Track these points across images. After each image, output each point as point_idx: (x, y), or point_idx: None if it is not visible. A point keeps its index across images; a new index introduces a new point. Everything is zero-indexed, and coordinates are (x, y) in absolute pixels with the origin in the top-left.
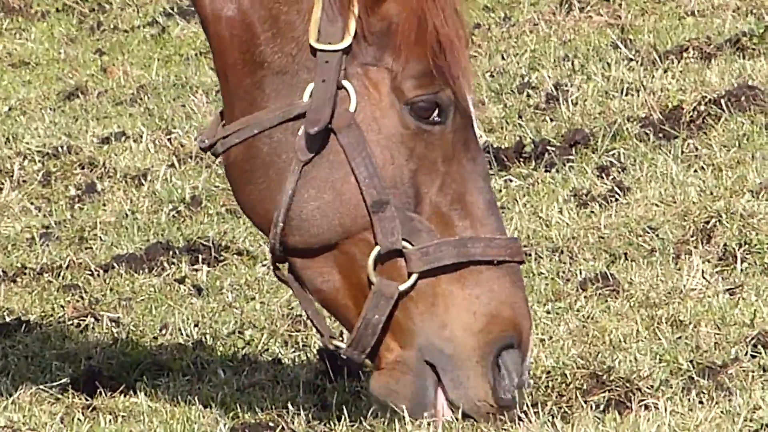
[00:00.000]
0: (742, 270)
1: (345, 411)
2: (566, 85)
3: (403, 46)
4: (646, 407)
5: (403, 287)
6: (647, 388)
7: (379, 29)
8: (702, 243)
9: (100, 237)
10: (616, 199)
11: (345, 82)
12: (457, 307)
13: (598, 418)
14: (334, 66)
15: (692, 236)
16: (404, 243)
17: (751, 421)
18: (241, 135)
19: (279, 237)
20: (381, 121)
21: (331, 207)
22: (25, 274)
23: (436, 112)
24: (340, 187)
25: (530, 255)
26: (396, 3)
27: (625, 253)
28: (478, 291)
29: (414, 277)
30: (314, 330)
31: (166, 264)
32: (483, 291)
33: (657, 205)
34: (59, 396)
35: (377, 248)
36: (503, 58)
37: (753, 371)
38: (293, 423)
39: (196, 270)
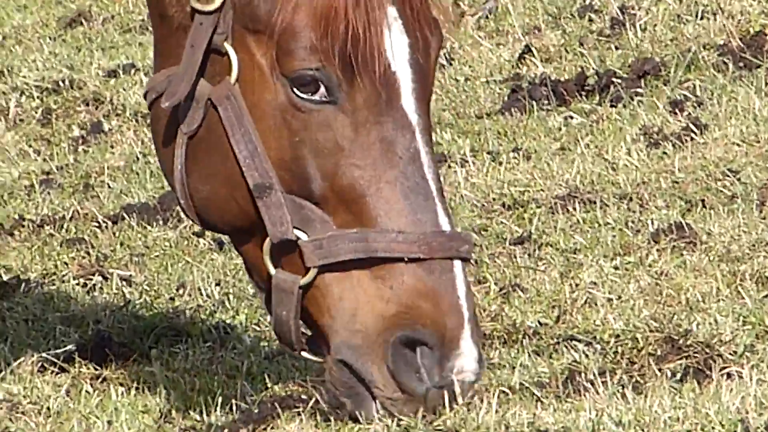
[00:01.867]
0: None
1: None
2: (633, 8)
3: (286, 11)
4: (729, 375)
5: (303, 281)
6: (729, 354)
7: None
8: None
9: (108, 184)
10: (692, 138)
11: (228, 47)
12: (367, 297)
13: (674, 388)
14: (206, 29)
15: None
16: (298, 233)
17: None
18: (149, 97)
19: (188, 212)
20: (264, 94)
21: (222, 189)
22: (23, 226)
23: (323, 89)
24: (225, 167)
25: (595, 203)
26: None
27: (703, 200)
28: (392, 282)
29: (313, 271)
30: None
31: (182, 215)
32: (398, 285)
33: (738, 144)
34: (64, 365)
35: (269, 238)
36: None
37: None
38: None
39: None
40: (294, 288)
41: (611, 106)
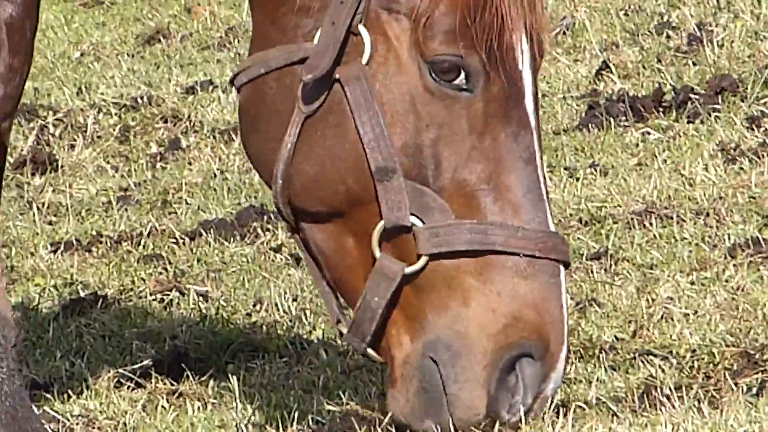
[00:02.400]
0: None
1: None
2: (711, 25)
3: None
4: None
5: (409, 270)
6: None
7: None
8: None
9: (186, 200)
10: None
11: (361, 28)
12: (475, 301)
13: (751, 403)
14: (348, 8)
15: None
16: (414, 220)
17: None
18: (250, 73)
19: (280, 196)
20: (397, 77)
21: (334, 170)
22: (101, 242)
23: (462, 76)
24: (343, 148)
25: (672, 218)
26: None
27: None
28: (501, 287)
29: (423, 259)
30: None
31: (260, 230)
32: (507, 288)
33: None
34: (141, 380)
35: (382, 222)
36: None
37: None
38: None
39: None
40: (398, 275)
41: (688, 122)
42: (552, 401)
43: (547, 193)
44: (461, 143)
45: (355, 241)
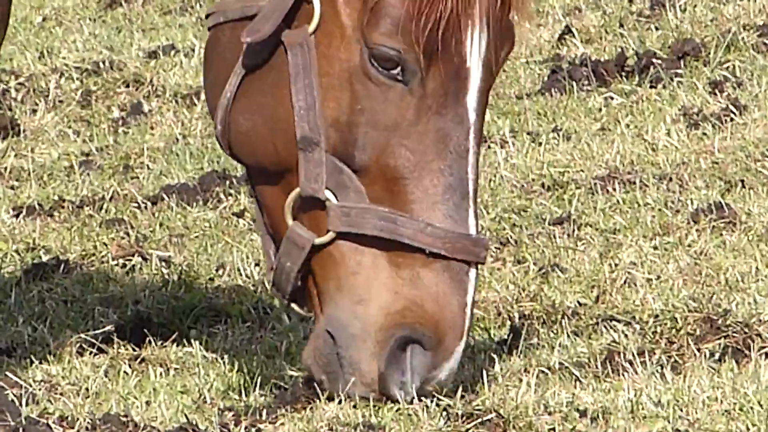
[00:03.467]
0: None
1: None
2: None
3: None
4: (767, 355)
5: (318, 241)
6: None
7: None
8: None
9: (148, 165)
10: (732, 119)
11: None
12: (378, 281)
13: (713, 368)
14: None
15: None
16: (329, 195)
17: None
18: (211, 20)
19: (221, 140)
20: (339, 53)
21: (266, 129)
22: (63, 207)
23: (399, 68)
24: (276, 110)
25: (635, 183)
26: None
27: (742, 180)
28: (406, 274)
29: (331, 234)
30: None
31: (222, 195)
32: (411, 276)
33: None
34: (103, 346)
35: (297, 189)
36: None
37: None
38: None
39: None
40: (307, 245)
41: (651, 86)
42: (446, 384)
43: (475, 192)
44: (390, 131)
45: (282, 201)
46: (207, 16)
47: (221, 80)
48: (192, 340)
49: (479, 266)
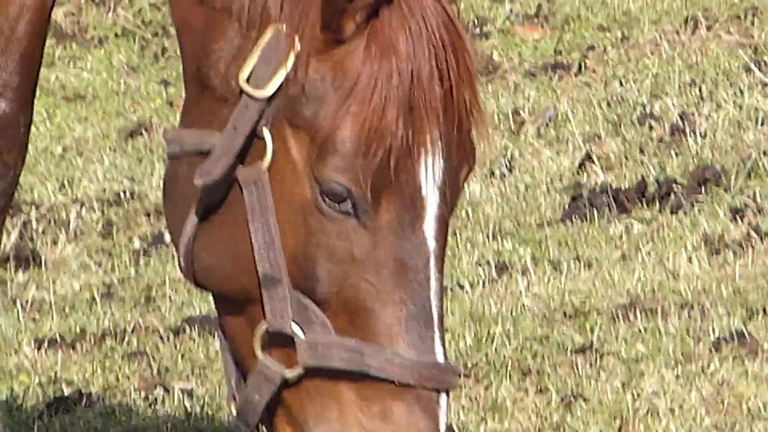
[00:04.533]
0: None
1: None
2: (693, 115)
3: (332, 117)
4: None
5: (289, 374)
6: None
7: (318, 83)
8: None
9: (170, 296)
10: (753, 246)
11: (266, 132)
12: (352, 417)
13: None
14: (251, 114)
15: None
16: (296, 329)
17: None
18: (169, 148)
19: (185, 273)
20: (292, 188)
21: (229, 266)
22: (84, 339)
23: (350, 204)
24: (237, 248)
25: (656, 311)
26: (349, 56)
27: (764, 308)
28: (377, 408)
29: (299, 369)
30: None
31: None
32: (382, 409)
33: None
34: None
35: (265, 324)
36: (621, 84)
37: None
38: None
39: None
40: (277, 378)
41: (672, 213)
42: None
43: (440, 318)
44: (348, 264)
45: (248, 331)
46: (165, 138)
47: (181, 217)
48: None
49: (449, 393)
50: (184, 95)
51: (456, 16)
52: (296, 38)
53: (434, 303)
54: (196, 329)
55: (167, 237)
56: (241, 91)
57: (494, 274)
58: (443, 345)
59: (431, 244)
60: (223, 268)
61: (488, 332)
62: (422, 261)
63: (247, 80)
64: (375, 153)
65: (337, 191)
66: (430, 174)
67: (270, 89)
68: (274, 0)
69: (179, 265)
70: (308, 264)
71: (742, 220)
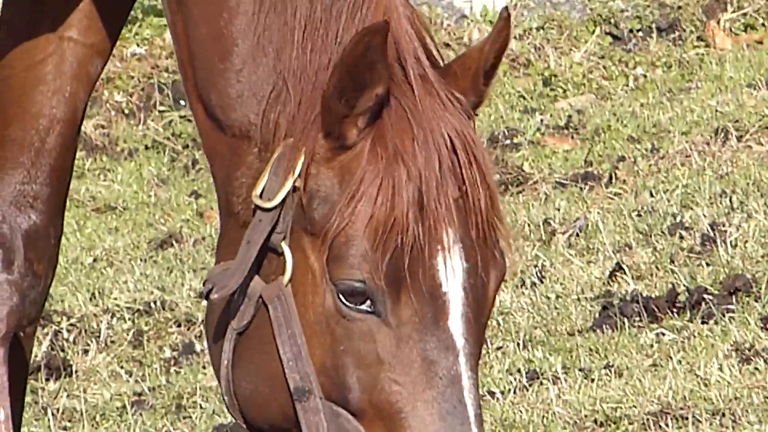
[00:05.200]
0: None
1: None
2: (724, 225)
3: (342, 217)
4: None
5: None
6: None
7: (327, 188)
8: None
9: (201, 404)
10: None
11: (284, 246)
12: None
13: None
14: (264, 226)
15: None
16: None
17: None
18: (205, 288)
19: (232, 413)
20: (312, 297)
21: (266, 389)
22: None
23: (367, 300)
24: (270, 367)
25: (687, 419)
26: (355, 159)
27: None
28: None
29: None
30: None
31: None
32: None
33: None
34: None
35: None
36: (652, 195)
37: None
38: None
39: None
40: None
41: (702, 322)
42: None
43: (478, 415)
44: (376, 366)
45: None
46: (204, 287)
47: (219, 352)
48: None
49: None
50: (219, 226)
51: (467, 123)
52: (302, 148)
53: (468, 400)
54: None
55: (197, 346)
56: (255, 207)
57: (525, 381)
58: None
59: (459, 341)
60: (261, 391)
61: None
62: (451, 357)
63: (260, 195)
64: (386, 247)
65: (353, 289)
66: (450, 272)
67: (278, 198)
68: (283, 117)
69: (225, 403)
70: (338, 373)
71: None
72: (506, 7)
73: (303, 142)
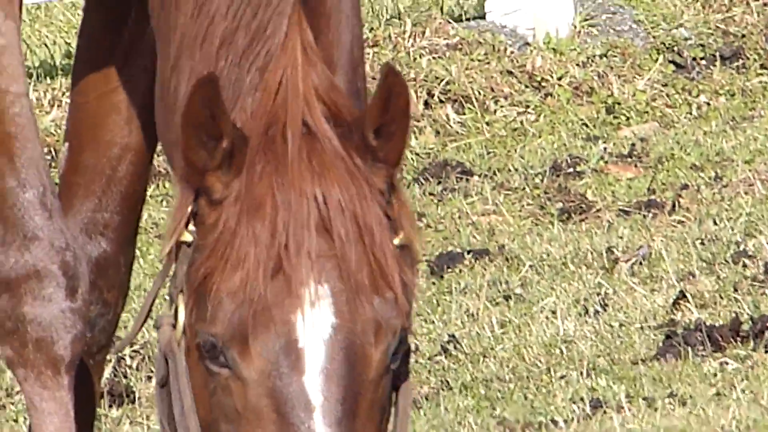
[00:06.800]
0: None
1: None
2: None
3: (198, 270)
4: None
5: None
6: None
7: (199, 242)
8: None
9: None
10: None
11: (179, 299)
12: None
13: None
14: (162, 275)
15: None
16: None
17: None
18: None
19: None
20: (190, 351)
21: None
22: None
23: (218, 354)
24: (176, 421)
25: None
26: (220, 214)
27: None
28: None
29: None
30: None
31: None
32: None
33: None
34: None
35: None
36: (715, 223)
37: None
38: None
39: None
40: None
41: (766, 351)
42: None
43: None
44: (236, 421)
45: None
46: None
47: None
48: None
49: None
50: None
51: (354, 181)
52: (186, 208)
53: None
54: None
55: None
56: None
57: (589, 410)
58: None
59: (316, 398)
60: None
61: None
62: (305, 416)
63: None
64: (235, 302)
65: (208, 342)
66: (309, 327)
67: (164, 251)
68: (178, 157)
69: None
70: (213, 427)
71: None
72: (388, 63)
73: (185, 197)
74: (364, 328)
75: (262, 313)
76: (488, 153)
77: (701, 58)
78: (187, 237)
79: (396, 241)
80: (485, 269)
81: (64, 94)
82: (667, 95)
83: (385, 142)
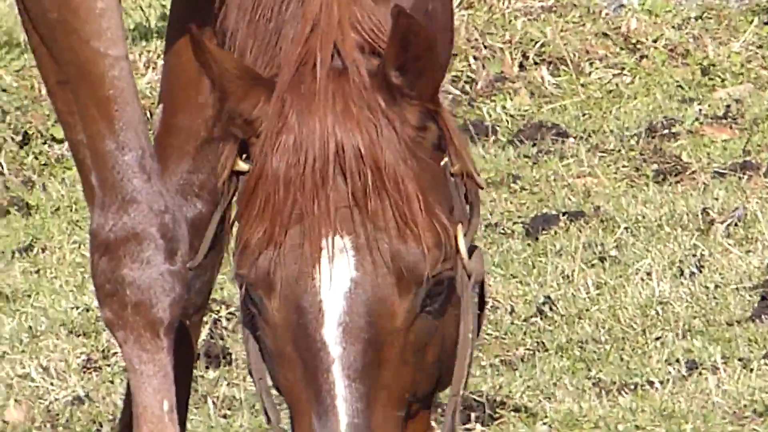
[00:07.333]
0: None
1: None
2: None
3: (239, 212)
4: None
5: None
6: None
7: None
8: None
9: None
10: None
11: None
12: None
13: None
14: (221, 204)
15: None
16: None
17: None
18: None
19: None
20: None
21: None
22: None
23: (250, 295)
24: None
25: None
26: (251, 174)
27: None
28: None
29: None
30: None
31: None
32: None
33: None
34: None
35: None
36: None
37: None
38: None
39: (468, 430)
40: None
41: None
42: None
43: (352, 426)
44: (273, 360)
45: None
46: None
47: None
48: None
49: None
50: None
51: (379, 126)
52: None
53: (342, 410)
54: None
55: None
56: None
57: (684, 372)
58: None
59: (335, 350)
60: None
61: (678, 429)
62: (324, 365)
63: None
64: (259, 256)
65: (242, 283)
66: (328, 280)
67: (220, 182)
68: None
69: None
70: (269, 366)
71: None
72: (397, 5)
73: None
74: (384, 280)
75: (287, 265)
76: (583, 115)
77: None
78: (243, 166)
79: (451, 169)
80: (580, 231)
81: (159, 56)
82: (762, 57)
83: (415, 79)
